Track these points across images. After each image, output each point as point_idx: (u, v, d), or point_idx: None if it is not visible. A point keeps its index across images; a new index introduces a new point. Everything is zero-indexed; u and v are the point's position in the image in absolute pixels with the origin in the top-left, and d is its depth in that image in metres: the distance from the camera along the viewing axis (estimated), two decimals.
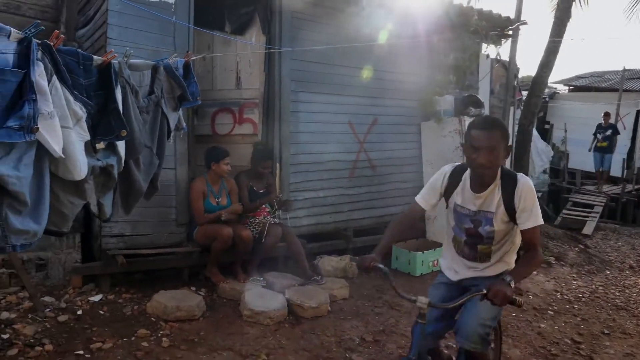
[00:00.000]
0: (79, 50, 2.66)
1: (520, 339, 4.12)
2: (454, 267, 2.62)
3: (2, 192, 2.14)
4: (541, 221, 2.31)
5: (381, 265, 2.28)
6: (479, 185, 2.40)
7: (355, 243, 5.79)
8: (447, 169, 2.56)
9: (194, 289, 4.55)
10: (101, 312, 4.00)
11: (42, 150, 2.28)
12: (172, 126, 3.46)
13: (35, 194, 2.29)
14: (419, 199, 2.59)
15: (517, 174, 2.38)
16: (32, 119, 2.12)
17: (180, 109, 3.54)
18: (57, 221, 2.55)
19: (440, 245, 5.52)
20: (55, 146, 2.25)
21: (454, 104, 6.30)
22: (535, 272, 6.05)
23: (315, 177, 5.63)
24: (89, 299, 4.18)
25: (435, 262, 5.57)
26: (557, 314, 4.81)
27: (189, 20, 4.62)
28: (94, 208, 2.84)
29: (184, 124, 3.71)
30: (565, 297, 5.35)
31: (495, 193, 2.37)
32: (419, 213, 2.62)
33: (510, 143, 2.31)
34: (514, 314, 4.64)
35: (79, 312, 3.95)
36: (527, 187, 2.32)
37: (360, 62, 5.76)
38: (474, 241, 2.50)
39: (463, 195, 2.47)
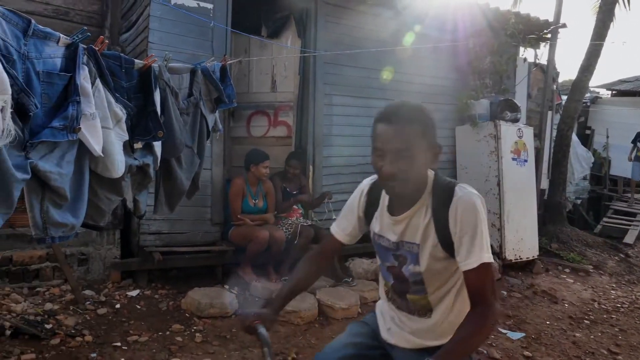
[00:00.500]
0: (122, 54, 2.77)
1: (554, 348, 4.04)
2: (386, 320, 1.79)
3: (45, 187, 2.25)
4: (488, 258, 1.47)
5: (262, 330, 1.64)
6: (399, 204, 1.64)
7: None
8: (366, 183, 1.82)
9: (227, 287, 4.63)
10: (138, 307, 4.14)
11: (83, 149, 2.38)
12: (210, 127, 3.56)
13: (74, 189, 2.40)
14: (333, 228, 1.84)
15: (457, 185, 1.56)
16: (75, 119, 2.22)
17: (217, 111, 3.63)
18: (94, 215, 2.66)
19: None
20: (96, 145, 2.35)
21: (490, 108, 6.23)
22: (568, 279, 5.90)
23: (348, 180, 5.65)
24: (127, 293, 4.34)
25: None
26: (593, 324, 4.68)
27: (226, 25, 4.74)
28: (129, 204, 2.95)
29: (220, 126, 3.79)
30: (603, 306, 5.20)
31: (421, 216, 1.59)
32: (336, 247, 1.86)
33: (436, 141, 1.57)
34: (547, 322, 4.55)
35: (117, 305, 4.10)
36: (464, 203, 1.50)
37: (394, 66, 5.75)
38: (402, 287, 1.69)
39: (382, 219, 1.71)
